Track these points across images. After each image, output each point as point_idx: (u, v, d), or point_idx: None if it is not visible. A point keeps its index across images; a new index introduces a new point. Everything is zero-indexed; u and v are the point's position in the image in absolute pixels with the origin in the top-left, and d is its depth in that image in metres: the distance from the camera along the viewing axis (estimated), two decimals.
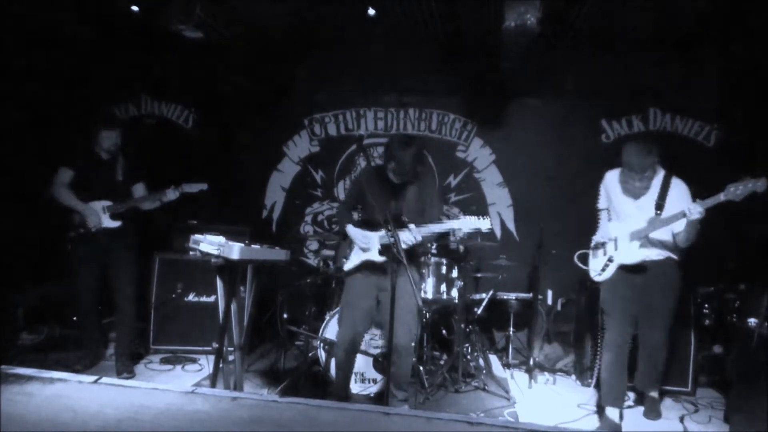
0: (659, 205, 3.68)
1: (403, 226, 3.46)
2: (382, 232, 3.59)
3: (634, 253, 3.73)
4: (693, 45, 5.24)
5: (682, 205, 3.48)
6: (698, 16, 4.69)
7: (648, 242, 3.73)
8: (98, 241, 4.39)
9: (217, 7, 4.62)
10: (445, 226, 3.54)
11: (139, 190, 4.61)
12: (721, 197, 3.26)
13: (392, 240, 3.16)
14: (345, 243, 3.92)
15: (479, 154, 6.12)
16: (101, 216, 4.38)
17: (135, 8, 4.78)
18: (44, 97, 5.64)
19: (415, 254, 3.78)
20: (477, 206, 6.04)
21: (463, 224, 3.44)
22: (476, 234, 3.85)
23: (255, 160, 6.34)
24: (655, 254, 3.75)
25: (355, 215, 3.95)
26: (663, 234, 3.70)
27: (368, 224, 3.74)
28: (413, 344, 3.80)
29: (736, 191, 3.19)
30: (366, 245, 3.69)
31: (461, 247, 5.08)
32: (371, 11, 4.92)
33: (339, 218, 4.03)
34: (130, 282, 4.53)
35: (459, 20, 5.11)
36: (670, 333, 3.86)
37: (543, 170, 5.93)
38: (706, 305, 4.72)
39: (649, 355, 3.90)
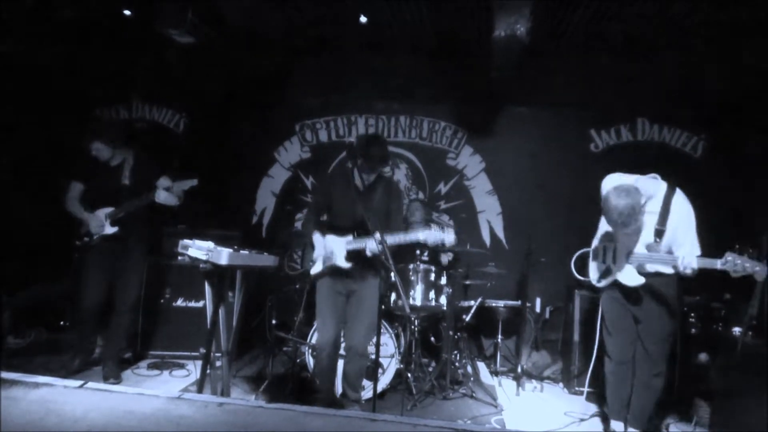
0: (659, 232, 3.43)
1: (368, 233, 3.42)
2: (349, 237, 3.61)
3: (632, 277, 3.55)
4: (682, 56, 5.31)
5: (682, 230, 3.35)
6: (687, 30, 4.76)
7: (644, 269, 3.53)
8: (103, 249, 4.35)
9: (209, 12, 4.64)
10: (411, 236, 3.49)
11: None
12: (718, 265, 3.07)
13: (361, 246, 3.29)
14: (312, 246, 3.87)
15: (469, 161, 6.15)
16: (103, 223, 4.31)
17: (127, 12, 4.79)
18: (37, 100, 5.63)
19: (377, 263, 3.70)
20: (466, 214, 6.08)
21: (428, 236, 3.41)
22: (441, 247, 3.72)
23: (246, 166, 6.34)
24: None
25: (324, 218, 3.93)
26: (661, 266, 3.48)
27: (335, 229, 3.73)
28: (368, 347, 3.78)
29: (734, 265, 3.00)
30: (329, 256, 3.66)
31: (446, 258, 5.08)
32: (363, 19, 4.96)
33: (306, 224, 3.99)
34: (131, 290, 4.49)
35: (450, 29, 5.16)
36: (666, 358, 3.59)
37: (532, 178, 5.97)
38: (693, 314, 4.76)
39: (639, 393, 3.63)
